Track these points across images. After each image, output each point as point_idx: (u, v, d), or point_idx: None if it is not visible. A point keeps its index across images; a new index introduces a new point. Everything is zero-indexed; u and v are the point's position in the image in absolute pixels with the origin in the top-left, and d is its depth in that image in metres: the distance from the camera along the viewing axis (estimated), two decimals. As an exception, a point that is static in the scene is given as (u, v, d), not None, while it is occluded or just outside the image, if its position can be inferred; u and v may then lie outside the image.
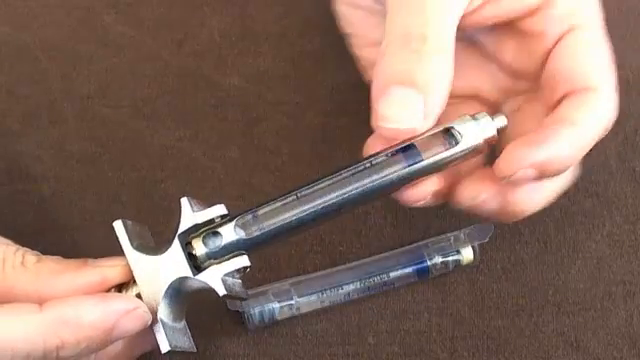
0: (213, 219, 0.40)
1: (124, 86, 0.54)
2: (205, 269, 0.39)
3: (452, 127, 0.41)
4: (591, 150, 0.53)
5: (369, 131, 0.48)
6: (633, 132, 0.54)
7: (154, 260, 0.39)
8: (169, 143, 0.53)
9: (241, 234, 0.39)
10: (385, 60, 0.42)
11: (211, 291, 0.39)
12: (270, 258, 0.50)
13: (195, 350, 0.41)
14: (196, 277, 0.39)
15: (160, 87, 0.54)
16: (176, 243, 0.39)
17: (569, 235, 0.51)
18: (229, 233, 0.39)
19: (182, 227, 0.40)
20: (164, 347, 0.39)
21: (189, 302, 0.41)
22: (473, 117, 0.41)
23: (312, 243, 0.50)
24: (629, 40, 0.56)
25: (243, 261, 0.40)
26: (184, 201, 0.40)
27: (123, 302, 0.38)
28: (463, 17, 0.43)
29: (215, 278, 0.39)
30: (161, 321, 0.39)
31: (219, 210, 0.40)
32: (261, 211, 0.40)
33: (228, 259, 0.40)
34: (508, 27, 0.46)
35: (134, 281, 0.39)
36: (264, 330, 0.48)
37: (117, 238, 0.40)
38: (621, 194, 0.52)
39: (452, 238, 0.50)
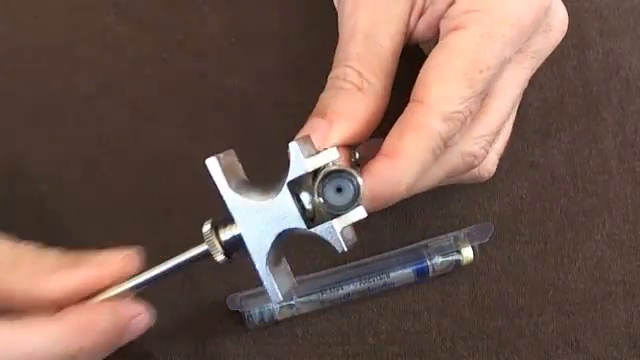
0: (323, 166, 0.37)
1: (124, 86, 0.54)
2: (318, 221, 0.37)
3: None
4: (591, 150, 0.53)
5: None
6: (633, 132, 0.54)
7: (257, 206, 0.37)
8: (169, 143, 0.53)
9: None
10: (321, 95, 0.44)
11: (312, 239, 0.37)
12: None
13: (296, 283, 0.39)
14: (312, 230, 0.36)
15: (160, 87, 0.54)
16: (285, 191, 0.37)
17: (569, 235, 0.51)
18: (352, 183, 0.36)
19: (291, 174, 0.36)
20: (275, 299, 0.37)
21: (287, 244, 0.38)
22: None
23: (312, 243, 0.50)
24: (629, 40, 0.56)
25: (360, 213, 0.36)
26: (293, 145, 0.37)
27: (131, 309, 0.39)
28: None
29: (334, 233, 0.36)
30: (271, 273, 0.37)
31: (332, 155, 0.37)
32: None
33: (345, 212, 0.36)
34: None
35: (231, 221, 0.37)
36: (264, 330, 0.48)
37: (211, 177, 0.37)
38: (621, 194, 0.52)
39: (452, 238, 0.50)
